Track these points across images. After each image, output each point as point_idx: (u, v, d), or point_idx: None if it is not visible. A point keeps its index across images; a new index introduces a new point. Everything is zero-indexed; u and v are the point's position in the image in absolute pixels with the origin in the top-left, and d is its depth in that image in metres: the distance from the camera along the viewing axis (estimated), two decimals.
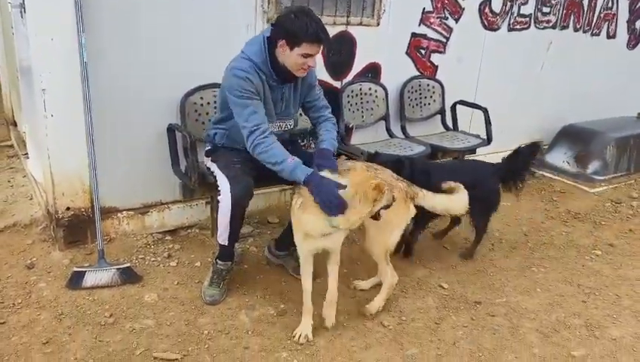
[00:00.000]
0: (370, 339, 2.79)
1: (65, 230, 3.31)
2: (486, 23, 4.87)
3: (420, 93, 4.64)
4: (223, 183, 2.79)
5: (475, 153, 4.62)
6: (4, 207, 3.84)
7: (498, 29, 4.98)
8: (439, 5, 4.50)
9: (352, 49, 4.17)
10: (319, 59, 3.98)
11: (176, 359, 2.53)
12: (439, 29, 4.59)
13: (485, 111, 4.58)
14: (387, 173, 2.89)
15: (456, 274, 3.50)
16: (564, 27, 5.51)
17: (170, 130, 3.41)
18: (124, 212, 3.54)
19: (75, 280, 3.02)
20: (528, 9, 5.14)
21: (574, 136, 5.57)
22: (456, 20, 4.66)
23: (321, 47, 2.71)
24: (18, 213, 3.75)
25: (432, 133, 4.69)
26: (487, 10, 4.82)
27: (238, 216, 2.78)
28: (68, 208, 3.29)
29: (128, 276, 3.10)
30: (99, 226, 3.15)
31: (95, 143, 3.25)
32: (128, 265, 3.16)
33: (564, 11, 5.44)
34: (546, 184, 5.29)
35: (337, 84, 4.19)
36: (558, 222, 4.43)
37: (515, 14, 5.05)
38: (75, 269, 3.06)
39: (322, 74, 4.07)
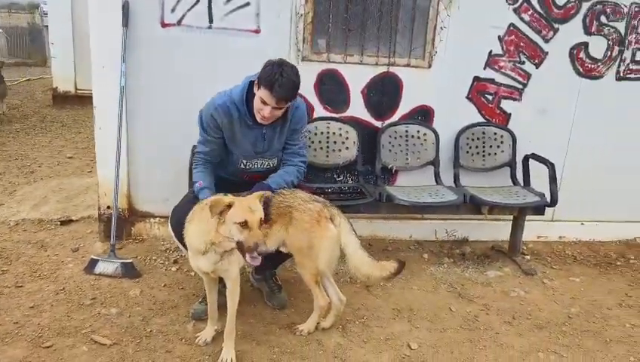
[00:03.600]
0: None
1: (104, 225, 3.95)
2: (581, 70, 4.26)
3: (484, 142, 4.26)
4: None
5: (540, 213, 4.05)
6: (94, 202, 4.70)
7: (600, 77, 4.30)
8: (512, 48, 4.12)
9: (397, 90, 4.09)
10: (359, 97, 4.05)
11: (106, 344, 2.85)
12: (512, 73, 4.18)
13: (551, 166, 3.98)
14: (299, 195, 2.91)
15: (440, 337, 3.14)
16: None
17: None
18: (158, 218, 4.06)
19: (90, 266, 3.59)
20: None
21: None
22: (537, 65, 4.19)
23: (277, 101, 2.74)
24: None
25: (494, 185, 4.23)
26: (582, 55, 4.22)
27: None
28: (108, 207, 3.93)
29: (128, 271, 3.56)
30: (114, 224, 3.70)
31: (139, 156, 3.89)
32: (131, 261, 3.62)
33: None
34: None
35: (379, 124, 4.14)
36: (631, 313, 3.58)
37: (628, 61, 4.31)
38: (92, 257, 3.64)
39: (362, 112, 4.09)
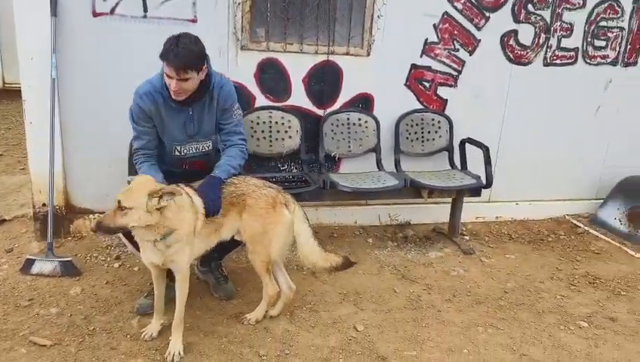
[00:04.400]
0: None
1: (40, 223, 3.80)
2: (512, 56, 4.45)
3: (423, 128, 4.39)
4: None
5: (477, 195, 4.23)
6: (28, 200, 4.51)
7: (529, 63, 4.51)
8: (446, 36, 4.25)
9: (338, 79, 4.14)
10: (300, 86, 4.06)
11: (45, 345, 2.76)
12: (447, 60, 4.32)
13: (485, 149, 4.16)
14: (252, 182, 2.93)
15: (385, 317, 3.23)
16: (628, 64, 4.77)
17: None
18: (97, 214, 3.92)
19: (26, 267, 3.45)
20: (573, 42, 4.57)
21: (632, 190, 4.74)
22: (470, 53, 4.34)
23: (176, 70, 2.70)
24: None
25: (434, 170, 4.37)
26: (511, 42, 4.40)
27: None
28: (44, 204, 3.78)
29: (67, 269, 3.44)
30: (50, 222, 3.57)
31: (74, 150, 3.76)
32: (70, 259, 3.51)
33: (629, 46, 4.71)
34: (583, 241, 4.57)
35: (321, 112, 4.18)
36: (561, 285, 3.81)
37: (554, 47, 4.53)
38: (28, 257, 3.49)
39: (304, 101, 4.11)
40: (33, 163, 3.72)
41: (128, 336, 2.90)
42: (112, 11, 3.59)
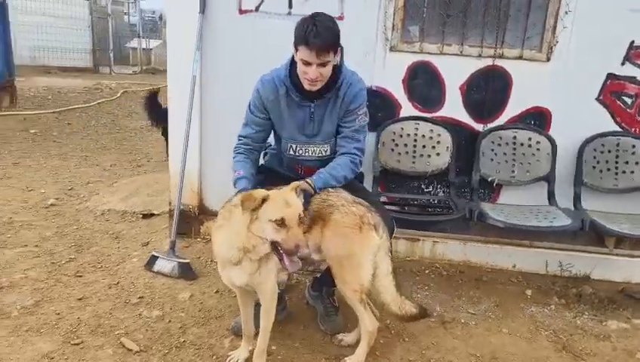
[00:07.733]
0: None
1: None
2: None
3: (618, 156, 3.39)
4: None
5: None
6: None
7: None
8: None
9: (505, 88, 3.40)
10: (456, 94, 3.44)
11: (132, 349, 2.63)
12: None
13: None
14: (343, 195, 2.47)
15: None
16: None
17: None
18: None
19: (150, 263, 3.45)
20: None
21: None
22: None
23: (317, 53, 2.39)
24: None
25: (629, 212, 3.33)
26: None
27: None
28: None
29: (184, 271, 3.36)
30: (175, 222, 3.51)
31: (211, 151, 3.71)
32: (188, 261, 3.41)
33: None
34: None
35: (480, 127, 3.48)
36: None
37: None
38: (153, 253, 3.48)
39: (460, 113, 3.48)
40: (174, 161, 3.73)
41: (214, 357, 2.63)
42: (257, 8, 3.45)
